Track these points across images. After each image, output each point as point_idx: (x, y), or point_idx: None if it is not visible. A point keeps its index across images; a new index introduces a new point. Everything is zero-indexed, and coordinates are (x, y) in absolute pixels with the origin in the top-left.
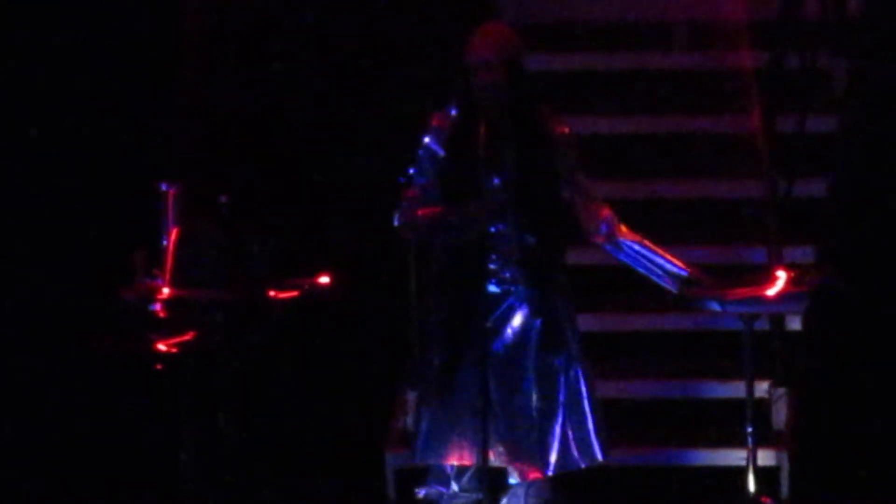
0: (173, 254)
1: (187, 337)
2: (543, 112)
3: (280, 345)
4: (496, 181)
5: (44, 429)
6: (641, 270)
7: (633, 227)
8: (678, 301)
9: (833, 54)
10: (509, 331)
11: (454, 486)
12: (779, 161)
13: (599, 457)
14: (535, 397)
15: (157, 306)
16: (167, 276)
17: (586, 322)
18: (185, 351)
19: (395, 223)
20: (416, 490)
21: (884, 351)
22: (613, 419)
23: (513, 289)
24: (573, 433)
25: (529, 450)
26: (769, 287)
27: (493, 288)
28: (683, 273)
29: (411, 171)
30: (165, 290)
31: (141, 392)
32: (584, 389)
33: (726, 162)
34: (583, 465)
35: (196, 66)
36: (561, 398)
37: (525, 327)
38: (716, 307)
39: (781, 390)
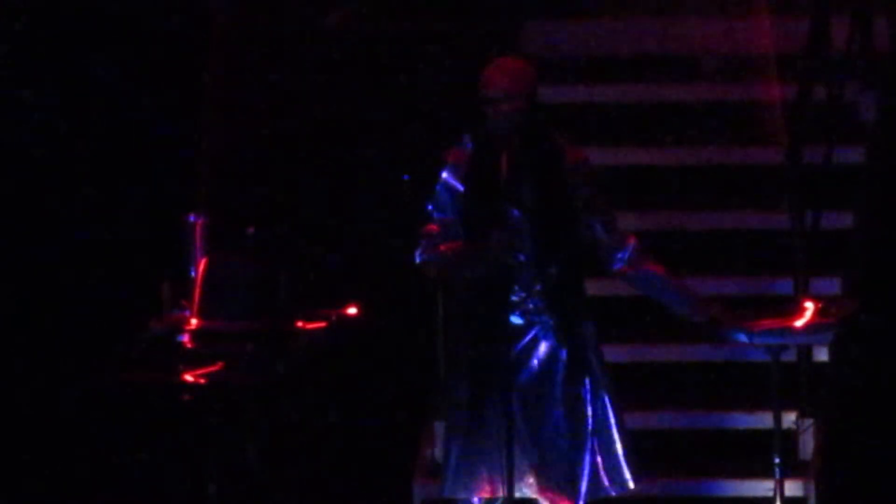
0: (201, 285)
1: (215, 368)
2: (559, 141)
3: (307, 375)
4: (515, 213)
5: (70, 460)
6: (664, 302)
7: (660, 259)
8: (706, 330)
9: (860, 86)
10: (535, 361)
11: None
12: (806, 192)
13: (631, 484)
14: (563, 427)
15: (185, 337)
16: (195, 308)
17: (614, 352)
18: (213, 382)
19: (417, 260)
20: None
21: None
22: (640, 449)
23: (536, 319)
24: (603, 461)
25: (559, 480)
26: (797, 318)
27: (516, 319)
28: (700, 315)
29: (429, 206)
30: (193, 322)
31: (168, 423)
32: (612, 417)
33: (754, 193)
34: (613, 494)
35: (223, 97)
36: (589, 427)
37: (551, 357)
38: (743, 339)
39: (809, 421)
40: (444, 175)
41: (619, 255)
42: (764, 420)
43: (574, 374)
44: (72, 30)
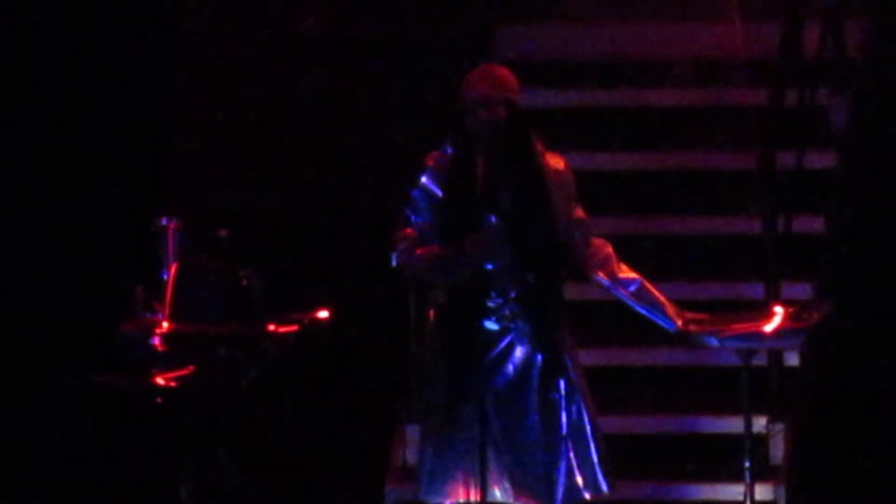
0: (173, 288)
1: (186, 371)
2: (539, 148)
3: (279, 379)
4: (493, 219)
5: (43, 463)
6: (638, 310)
7: (632, 263)
8: (678, 335)
9: (832, 91)
10: (510, 367)
11: None
12: (777, 197)
13: (605, 489)
14: (538, 432)
15: (157, 340)
16: (167, 311)
17: (586, 356)
18: (185, 385)
19: (393, 263)
20: None
21: (881, 386)
22: (611, 454)
23: (512, 325)
24: (577, 465)
25: (535, 485)
26: (766, 323)
27: (492, 325)
28: (672, 327)
29: (407, 210)
30: (165, 325)
31: (140, 426)
32: (587, 422)
33: (725, 198)
34: (587, 497)
35: (195, 101)
36: (564, 432)
37: (526, 363)
38: (714, 343)
39: (779, 425)
40: (424, 180)
41: (600, 261)
42: (734, 424)
43: (549, 379)
44: (43, 30)
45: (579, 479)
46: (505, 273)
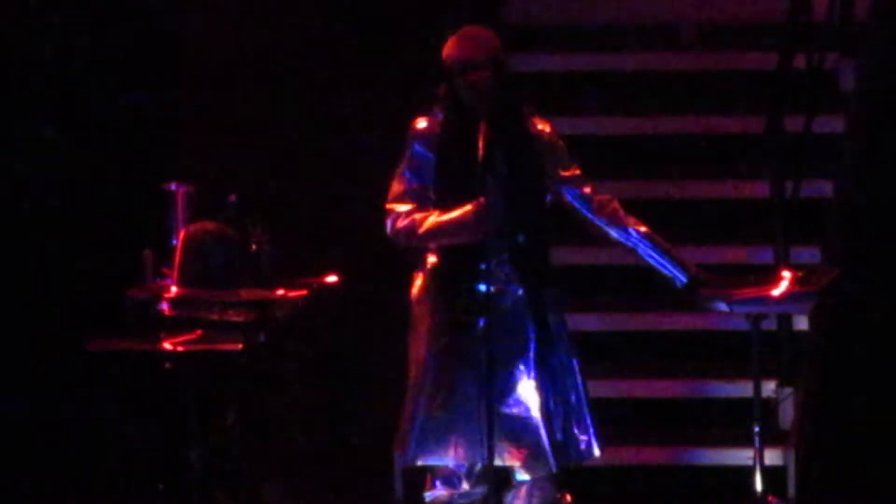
0: (182, 253)
1: (195, 335)
2: (526, 112)
3: (288, 343)
4: (489, 181)
5: (52, 428)
6: (650, 262)
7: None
8: (684, 296)
9: (841, 55)
10: (505, 330)
11: (465, 486)
12: (786, 162)
13: (597, 451)
14: (534, 395)
15: (165, 305)
16: (175, 276)
17: (592, 322)
18: (193, 350)
19: (388, 230)
20: (424, 494)
21: (890, 349)
22: (620, 419)
23: (506, 288)
24: (576, 429)
25: (532, 448)
26: (775, 287)
27: (486, 287)
28: (684, 276)
29: (405, 173)
30: (173, 289)
31: (149, 391)
32: (580, 385)
33: (733, 163)
34: (582, 460)
35: (202, 66)
36: (560, 395)
37: (520, 326)
38: (723, 307)
39: (788, 390)
40: (416, 145)
41: (601, 217)
42: (744, 389)
43: (544, 343)
44: None
45: (573, 443)
46: (497, 235)
